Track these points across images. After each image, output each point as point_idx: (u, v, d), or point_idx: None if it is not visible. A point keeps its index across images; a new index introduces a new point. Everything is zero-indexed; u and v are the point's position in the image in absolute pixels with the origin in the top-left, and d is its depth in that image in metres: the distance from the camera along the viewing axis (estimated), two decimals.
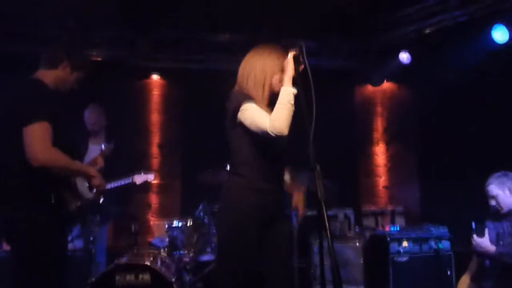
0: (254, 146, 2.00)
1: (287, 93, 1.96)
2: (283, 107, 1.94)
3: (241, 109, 1.99)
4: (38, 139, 1.94)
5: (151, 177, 3.59)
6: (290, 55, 2.02)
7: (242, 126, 2.00)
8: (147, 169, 3.87)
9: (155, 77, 5.04)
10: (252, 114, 1.97)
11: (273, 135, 1.91)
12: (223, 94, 5.56)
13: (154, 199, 4.92)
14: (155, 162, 4.96)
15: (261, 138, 1.96)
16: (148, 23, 4.39)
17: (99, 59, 4.52)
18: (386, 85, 5.45)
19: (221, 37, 4.66)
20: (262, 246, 2.00)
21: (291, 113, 1.95)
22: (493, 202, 2.80)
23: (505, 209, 2.78)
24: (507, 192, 2.77)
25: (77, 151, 2.19)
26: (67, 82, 2.27)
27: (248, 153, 2.01)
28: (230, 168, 2.14)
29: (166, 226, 3.50)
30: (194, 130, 4.87)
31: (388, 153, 5.44)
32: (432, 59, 4.52)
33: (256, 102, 2.02)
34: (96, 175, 2.18)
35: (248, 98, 2.01)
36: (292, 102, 1.95)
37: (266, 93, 2.07)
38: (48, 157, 1.96)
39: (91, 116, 3.72)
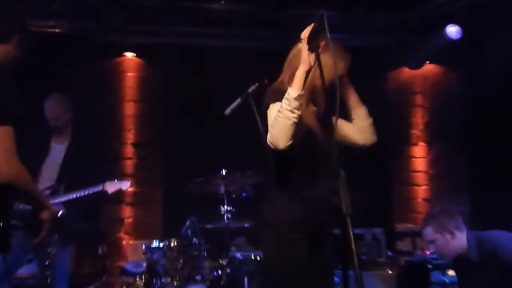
0: (292, 150, 2.08)
1: (288, 98, 2.02)
2: (280, 116, 2.03)
3: (268, 110, 2.13)
4: (2, 149, 1.96)
5: (126, 185, 3.62)
6: (303, 39, 2.01)
7: None
8: (120, 175, 3.89)
9: (129, 55, 5.07)
10: (271, 119, 2.09)
11: (272, 147, 2.02)
12: (218, 79, 5.62)
13: (127, 212, 4.94)
14: (129, 165, 4.98)
15: (297, 141, 2.06)
16: None
17: (57, 30, 4.54)
18: (428, 68, 5.46)
19: (215, 5, 4.69)
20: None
21: (290, 122, 2.00)
22: (431, 249, 2.87)
23: (448, 257, 2.84)
24: (448, 236, 2.80)
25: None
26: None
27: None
28: (267, 177, 2.26)
29: (144, 247, 3.53)
30: (180, 125, 4.90)
31: (430, 155, 5.45)
32: (488, 35, 4.53)
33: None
34: (50, 208, 2.21)
35: (279, 97, 2.07)
36: (294, 109, 2.00)
37: (305, 90, 2.10)
38: (15, 174, 1.98)
39: (52, 108, 3.69)
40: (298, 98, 2.01)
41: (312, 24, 1.99)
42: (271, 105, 2.12)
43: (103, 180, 3.50)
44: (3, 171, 1.92)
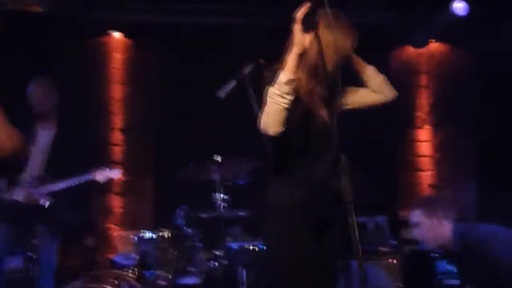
0: (291, 133, 2.10)
1: (278, 83, 2.01)
2: (270, 101, 2.03)
3: (266, 93, 2.10)
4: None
5: (117, 174, 3.63)
6: (296, 19, 1.97)
7: None
8: (108, 162, 3.88)
9: (116, 34, 5.02)
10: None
11: (262, 133, 2.05)
12: (212, 59, 5.59)
13: (116, 202, 4.94)
14: (117, 152, 4.97)
15: (298, 123, 2.09)
16: None
17: (39, 10, 4.49)
18: (434, 46, 5.44)
19: None
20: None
21: (280, 108, 2.00)
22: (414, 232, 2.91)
23: (428, 244, 2.87)
24: (435, 222, 2.83)
25: None
26: None
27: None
28: (266, 162, 2.29)
29: (135, 238, 3.52)
30: (172, 109, 4.88)
31: (436, 139, 5.45)
32: (497, 11, 4.50)
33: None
34: None
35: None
36: (285, 94, 1.99)
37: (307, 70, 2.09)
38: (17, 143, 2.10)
39: (36, 93, 3.66)
40: (288, 82, 1.99)
41: (307, 3, 1.96)
42: (267, 88, 2.10)
43: (91, 169, 3.48)
44: (7, 144, 2.02)
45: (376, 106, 2.32)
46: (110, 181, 3.66)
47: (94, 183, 3.47)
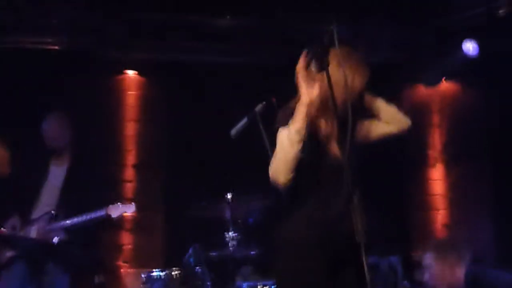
0: (304, 170, 2.10)
1: (289, 130, 2.02)
2: (280, 148, 2.03)
3: (278, 134, 2.11)
4: None
5: (131, 209, 3.64)
6: (298, 66, 2.00)
7: None
8: (120, 198, 3.90)
9: (130, 73, 5.13)
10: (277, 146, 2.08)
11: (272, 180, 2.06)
12: (223, 97, 5.61)
13: (126, 238, 4.94)
14: (129, 188, 4.99)
15: (307, 160, 2.08)
16: (122, 1, 4.49)
17: (56, 47, 4.62)
18: (445, 85, 5.50)
19: (220, 21, 4.76)
20: None
21: (290, 156, 2.01)
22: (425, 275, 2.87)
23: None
24: (446, 268, 2.81)
25: None
26: None
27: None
28: (278, 199, 2.30)
29: (144, 277, 3.52)
30: (183, 146, 4.91)
31: (449, 178, 5.44)
32: (508, 51, 4.56)
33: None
34: None
35: (290, 120, 2.06)
36: (295, 143, 2.00)
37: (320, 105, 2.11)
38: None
39: (51, 128, 3.73)
40: (298, 132, 2.01)
41: (306, 52, 1.99)
42: (280, 130, 2.10)
43: (104, 204, 3.50)
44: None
45: (392, 137, 2.33)
46: (122, 217, 3.65)
47: (107, 219, 3.48)
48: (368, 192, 2.07)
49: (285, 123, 2.08)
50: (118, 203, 3.55)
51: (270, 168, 2.06)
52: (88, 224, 3.44)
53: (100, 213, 3.46)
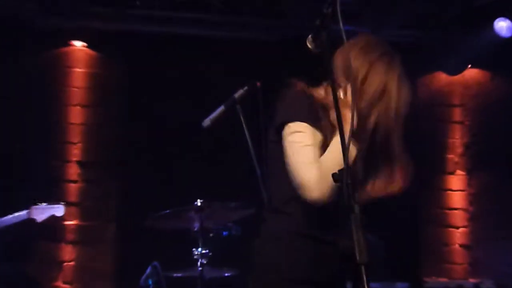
0: None
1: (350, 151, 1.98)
2: (332, 157, 2.05)
3: (287, 128, 2.12)
4: None
5: (59, 211, 3.63)
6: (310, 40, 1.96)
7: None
8: (56, 199, 3.86)
9: (77, 44, 5.07)
10: (296, 149, 2.10)
11: (303, 196, 2.04)
12: (196, 79, 5.59)
13: (68, 253, 4.88)
14: (73, 190, 4.95)
15: None
16: None
17: None
18: (470, 73, 5.51)
19: None
20: None
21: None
22: None
23: None
24: None
25: None
26: None
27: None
28: (269, 206, 2.29)
29: None
30: (145, 139, 4.87)
31: (470, 188, 5.46)
32: None
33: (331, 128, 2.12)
34: None
35: (310, 111, 2.11)
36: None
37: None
38: None
39: None
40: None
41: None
42: (295, 123, 2.10)
43: (28, 206, 3.52)
44: None
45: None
46: (56, 223, 3.63)
47: (33, 223, 3.45)
48: (373, 204, 2.08)
49: (303, 116, 2.08)
50: (43, 204, 3.56)
51: (308, 190, 2.03)
52: (7, 231, 3.40)
53: (21, 216, 3.43)
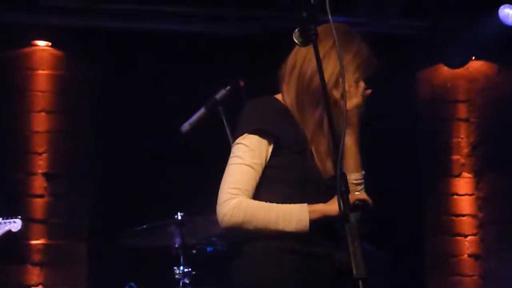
0: (286, 184, 2.20)
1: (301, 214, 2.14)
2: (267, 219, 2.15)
3: (235, 143, 2.22)
4: None
5: (16, 226, 3.65)
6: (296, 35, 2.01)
7: None
8: (25, 220, 3.84)
9: (41, 44, 5.06)
10: (231, 165, 2.19)
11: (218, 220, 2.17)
12: (173, 79, 5.58)
13: (34, 276, 4.85)
14: (39, 206, 4.92)
15: (295, 172, 2.20)
16: None
17: None
18: (475, 65, 5.54)
19: None
20: None
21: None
22: None
23: None
24: None
25: None
26: None
27: (279, 195, 2.20)
28: None
29: None
30: (117, 148, 4.87)
31: (479, 192, 5.48)
32: None
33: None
34: None
35: (265, 119, 2.19)
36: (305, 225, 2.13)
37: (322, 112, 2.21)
38: None
39: None
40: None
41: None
42: (242, 137, 2.18)
43: None
44: None
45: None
46: (28, 246, 3.60)
47: None
48: (370, 211, 2.11)
49: (270, 127, 2.17)
50: None
51: (225, 215, 2.14)
52: None
53: None
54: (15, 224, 3.68)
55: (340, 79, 2.14)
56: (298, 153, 2.18)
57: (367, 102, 2.29)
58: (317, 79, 2.08)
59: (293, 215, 2.11)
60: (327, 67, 2.15)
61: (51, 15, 4.81)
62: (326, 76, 2.03)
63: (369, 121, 2.37)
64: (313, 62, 2.08)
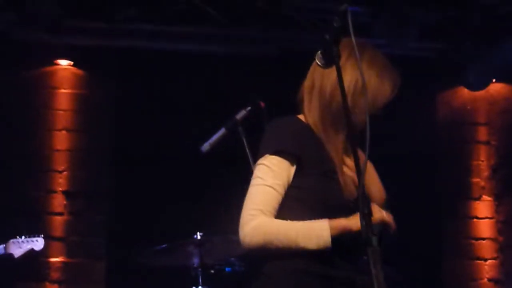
0: (309, 205, 2.17)
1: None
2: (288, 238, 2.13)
3: (257, 163, 2.21)
4: None
5: (38, 246, 3.65)
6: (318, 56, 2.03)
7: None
8: (38, 232, 3.87)
9: (63, 63, 5.10)
10: (253, 186, 2.18)
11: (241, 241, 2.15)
12: (192, 99, 5.60)
13: None
14: (58, 223, 4.95)
15: (321, 193, 2.17)
16: None
17: None
18: (495, 88, 5.53)
19: None
20: None
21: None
22: None
23: None
24: None
25: None
26: None
27: (301, 216, 2.16)
28: None
29: None
30: (137, 167, 4.89)
31: (499, 215, 5.45)
32: None
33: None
34: None
35: (285, 140, 2.18)
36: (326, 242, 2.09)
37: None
38: None
39: None
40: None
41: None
42: (261, 158, 2.17)
43: (5, 241, 3.55)
44: None
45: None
46: (47, 264, 3.61)
47: (11, 259, 3.46)
48: (390, 235, 2.12)
49: (292, 148, 2.17)
50: (22, 237, 3.56)
51: (247, 236, 2.12)
52: None
53: None
54: (38, 243, 3.69)
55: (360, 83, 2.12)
56: (322, 174, 2.17)
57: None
58: (338, 94, 2.04)
59: (312, 232, 2.09)
60: (345, 76, 2.08)
61: (73, 35, 4.87)
62: (346, 84, 2.00)
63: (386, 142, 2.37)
64: (331, 77, 2.12)
